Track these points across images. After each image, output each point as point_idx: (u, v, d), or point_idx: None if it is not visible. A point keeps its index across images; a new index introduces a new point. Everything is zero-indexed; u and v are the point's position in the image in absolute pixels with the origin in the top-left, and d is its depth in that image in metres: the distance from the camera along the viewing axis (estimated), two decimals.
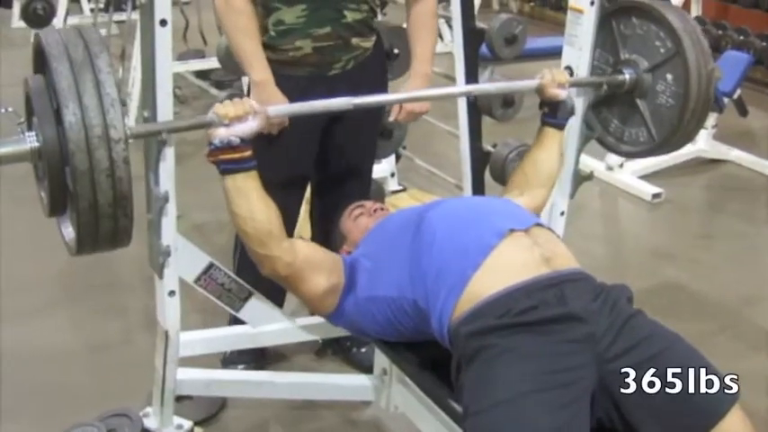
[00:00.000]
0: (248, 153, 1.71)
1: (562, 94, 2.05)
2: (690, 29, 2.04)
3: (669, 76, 2.06)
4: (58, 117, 1.43)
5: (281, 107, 1.82)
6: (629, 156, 2.26)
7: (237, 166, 1.70)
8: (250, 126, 1.69)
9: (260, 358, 2.56)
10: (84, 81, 1.40)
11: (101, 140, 1.40)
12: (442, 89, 2.29)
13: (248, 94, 2.21)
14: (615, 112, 2.24)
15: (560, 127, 2.10)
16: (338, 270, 1.86)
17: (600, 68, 2.24)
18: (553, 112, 2.08)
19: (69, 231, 1.58)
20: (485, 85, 2.14)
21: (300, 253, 1.82)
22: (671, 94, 2.06)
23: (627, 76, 2.13)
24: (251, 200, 1.73)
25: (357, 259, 1.88)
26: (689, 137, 2.14)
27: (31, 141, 1.47)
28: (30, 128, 1.51)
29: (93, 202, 1.42)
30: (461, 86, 2.46)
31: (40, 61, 1.51)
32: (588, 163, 3.85)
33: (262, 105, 1.75)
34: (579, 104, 2.26)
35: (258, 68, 2.14)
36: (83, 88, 1.40)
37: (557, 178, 2.15)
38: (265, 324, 2.17)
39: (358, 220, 2.05)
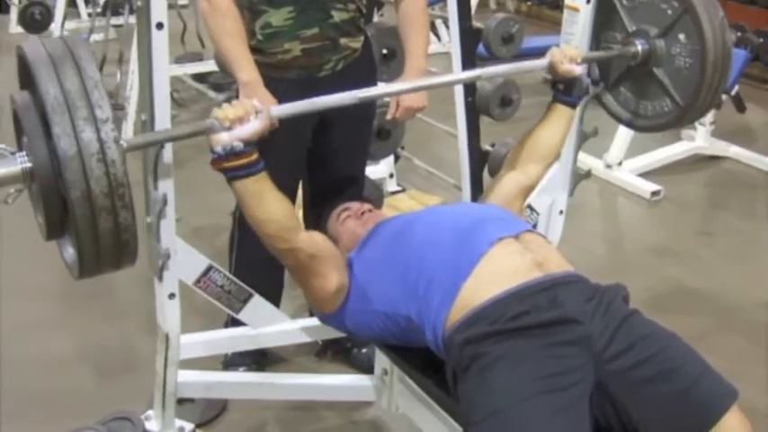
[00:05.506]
0: (254, 156, 1.62)
1: (577, 69, 1.96)
2: None
3: (682, 36, 1.99)
4: (48, 134, 1.33)
5: (286, 105, 1.69)
6: (658, 129, 2.14)
7: (245, 172, 1.62)
8: (253, 127, 1.59)
9: (261, 360, 2.56)
10: (74, 96, 1.31)
11: (96, 156, 1.30)
12: (448, 76, 2.19)
13: (237, 97, 2.20)
14: (634, 90, 2.16)
15: (573, 105, 2.03)
16: (345, 269, 1.85)
17: (609, 47, 2.18)
18: (567, 90, 2.00)
19: (71, 254, 1.47)
20: (492, 69, 2.04)
21: (321, 244, 1.81)
22: (687, 52, 1.99)
23: (639, 46, 2.06)
24: (266, 201, 1.67)
25: (353, 269, 1.86)
26: (714, 94, 2.01)
27: (22, 162, 1.37)
28: (20, 148, 1.41)
29: (92, 223, 1.32)
30: (469, 72, 2.26)
31: (26, 76, 1.42)
32: (586, 161, 3.87)
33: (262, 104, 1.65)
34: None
35: (246, 69, 2.13)
36: (72, 104, 1.30)
37: (555, 158, 2.07)
38: (265, 325, 2.17)
39: (345, 223, 2.04)
